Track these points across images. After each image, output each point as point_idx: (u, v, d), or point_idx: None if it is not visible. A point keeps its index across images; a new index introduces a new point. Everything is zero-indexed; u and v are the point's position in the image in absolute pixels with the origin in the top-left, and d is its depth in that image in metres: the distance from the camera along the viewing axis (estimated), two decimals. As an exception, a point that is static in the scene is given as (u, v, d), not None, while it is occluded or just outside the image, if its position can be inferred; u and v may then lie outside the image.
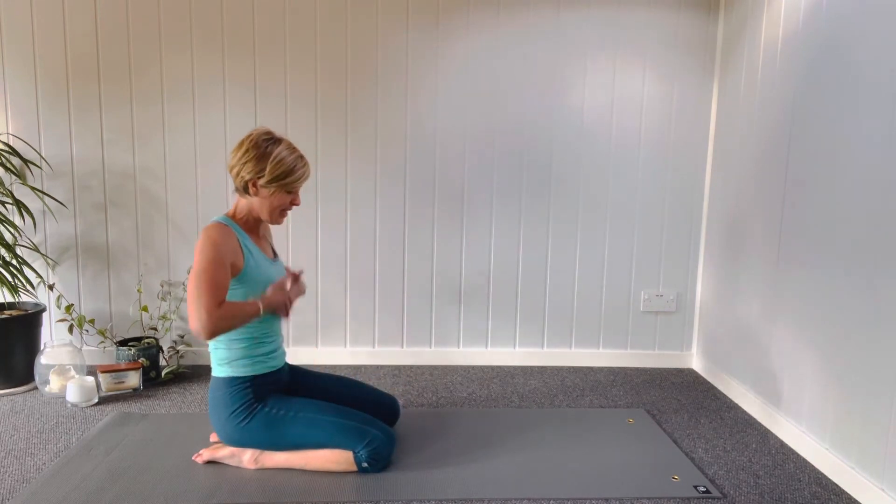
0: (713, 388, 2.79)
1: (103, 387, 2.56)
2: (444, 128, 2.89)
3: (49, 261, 2.89)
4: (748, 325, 2.54)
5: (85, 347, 2.93)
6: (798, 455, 2.14)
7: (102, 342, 2.94)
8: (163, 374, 2.74)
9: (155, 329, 2.92)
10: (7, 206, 2.80)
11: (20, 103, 2.80)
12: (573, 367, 3.04)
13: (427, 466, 1.98)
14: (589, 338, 3.06)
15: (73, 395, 2.44)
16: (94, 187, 2.87)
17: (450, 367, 3.02)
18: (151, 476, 1.89)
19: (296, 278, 2.00)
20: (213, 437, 2.14)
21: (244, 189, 1.89)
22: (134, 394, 2.59)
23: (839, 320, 1.96)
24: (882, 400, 1.77)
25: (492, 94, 2.88)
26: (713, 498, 1.83)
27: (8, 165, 2.76)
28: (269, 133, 1.88)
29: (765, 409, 2.38)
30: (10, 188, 2.78)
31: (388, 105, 2.87)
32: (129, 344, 2.72)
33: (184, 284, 2.93)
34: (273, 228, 2.89)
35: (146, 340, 2.77)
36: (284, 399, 1.94)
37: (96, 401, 2.48)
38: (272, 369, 1.97)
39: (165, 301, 2.94)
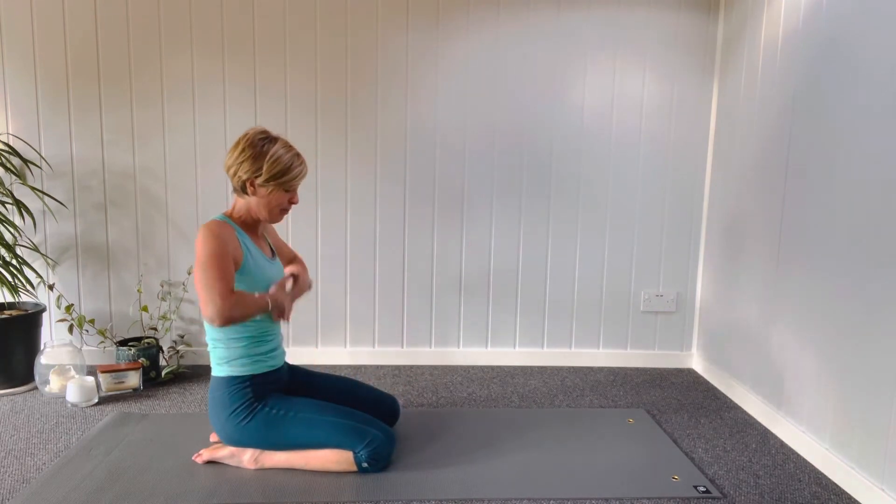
0: (713, 388, 2.79)
1: (103, 387, 2.56)
2: (444, 128, 2.89)
3: (49, 261, 2.89)
4: (748, 325, 2.54)
5: (85, 347, 2.93)
6: (798, 455, 2.14)
7: (102, 342, 2.94)
8: (163, 374, 2.74)
9: (155, 329, 2.92)
10: (7, 206, 2.80)
11: (20, 103, 2.80)
12: (573, 367, 3.04)
13: (427, 466, 1.98)
14: (589, 338, 3.06)
15: (73, 395, 2.44)
16: (94, 187, 2.87)
17: (450, 367, 3.02)
18: (151, 476, 1.89)
19: (295, 279, 2.00)
20: (213, 437, 2.14)
21: (242, 189, 1.89)
22: (134, 394, 2.59)
23: (839, 320, 1.96)
24: (882, 400, 1.77)
25: (492, 94, 2.88)
26: (713, 498, 1.83)
27: (8, 165, 2.76)
28: (264, 132, 1.88)
29: (765, 409, 2.38)
30: (10, 188, 2.78)
31: (388, 105, 2.87)
32: (129, 344, 2.72)
33: (184, 284, 2.93)
34: (274, 225, 2.89)
35: (146, 340, 2.77)
36: (284, 399, 1.94)
37: (96, 401, 2.48)
38: (271, 368, 1.97)
39: (165, 301, 2.94)
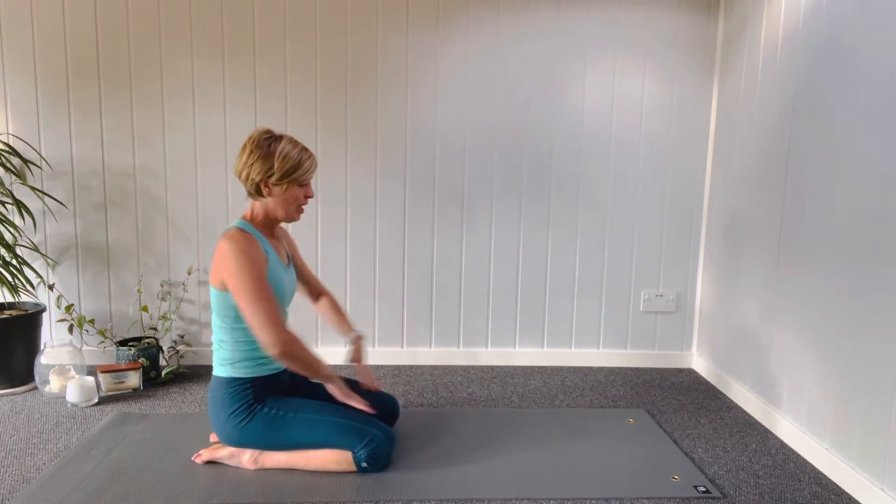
0: (713, 388, 2.79)
1: (103, 387, 2.56)
2: (444, 128, 2.89)
3: (49, 261, 2.89)
4: (748, 325, 2.54)
5: (85, 347, 2.93)
6: (798, 455, 2.14)
7: (102, 342, 2.94)
8: (163, 374, 2.74)
9: (155, 329, 2.92)
10: (7, 206, 2.80)
11: (20, 103, 2.80)
12: (573, 367, 3.04)
13: (427, 466, 1.98)
14: (589, 338, 3.06)
15: (73, 395, 2.44)
16: (94, 187, 2.87)
17: (450, 367, 3.02)
18: (151, 476, 1.89)
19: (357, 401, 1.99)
20: (213, 437, 2.14)
21: (257, 192, 1.89)
22: (134, 394, 2.59)
23: (839, 320, 1.96)
24: (882, 400, 1.77)
25: (492, 94, 2.88)
26: (713, 498, 1.83)
27: (8, 165, 2.76)
28: (268, 131, 1.88)
29: (765, 409, 2.38)
30: (10, 188, 2.78)
31: (388, 105, 2.87)
32: (129, 344, 2.72)
33: (184, 284, 2.93)
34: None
35: (146, 340, 2.77)
36: (284, 399, 1.94)
37: (96, 401, 2.48)
38: (273, 372, 1.97)
39: (165, 301, 2.94)
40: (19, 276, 2.70)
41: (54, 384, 2.57)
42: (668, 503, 1.80)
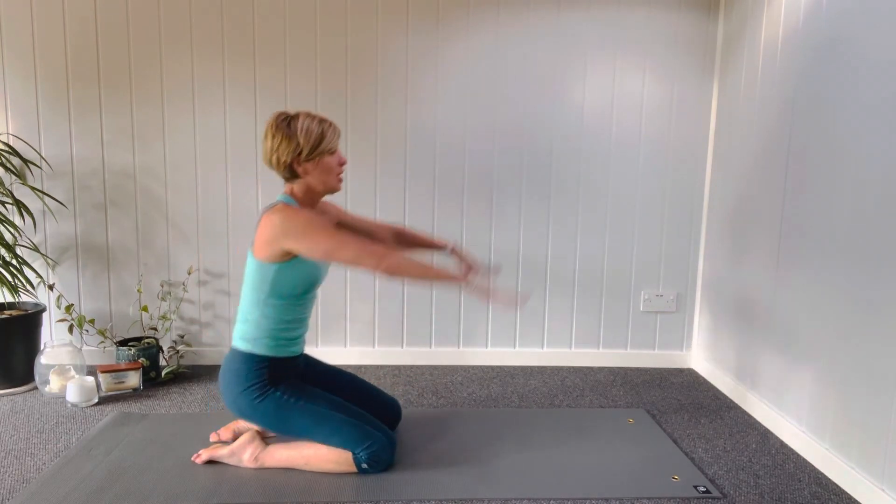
0: (713, 388, 2.79)
1: (103, 387, 2.56)
2: (443, 128, 2.89)
3: (49, 261, 2.90)
4: (748, 325, 2.54)
5: (85, 347, 2.93)
6: (798, 455, 2.14)
7: (102, 342, 2.94)
8: (163, 374, 2.74)
9: (155, 329, 2.92)
10: (7, 206, 2.80)
11: (20, 103, 2.80)
12: (573, 367, 3.04)
13: (427, 466, 1.98)
14: (589, 338, 3.06)
15: (73, 395, 2.44)
16: (94, 187, 2.87)
17: (450, 367, 3.02)
18: (151, 476, 1.89)
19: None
20: (213, 437, 2.14)
21: (291, 173, 1.89)
22: (134, 394, 2.59)
23: (839, 320, 1.96)
24: (882, 400, 1.77)
25: (492, 95, 2.88)
26: (713, 498, 1.83)
27: (8, 165, 2.76)
28: (283, 113, 1.88)
29: (765, 409, 2.38)
30: (10, 188, 2.78)
31: (388, 105, 2.87)
32: (129, 344, 2.72)
33: (184, 284, 2.93)
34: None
35: (146, 340, 2.77)
36: (298, 387, 1.94)
37: (96, 401, 2.48)
38: (291, 355, 1.98)
39: (165, 301, 2.94)
40: (19, 276, 2.70)
41: (54, 384, 2.57)
42: (668, 503, 1.80)
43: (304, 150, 1.84)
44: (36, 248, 2.86)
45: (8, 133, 2.81)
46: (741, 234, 2.61)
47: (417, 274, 1.80)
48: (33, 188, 2.79)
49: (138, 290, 2.92)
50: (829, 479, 1.97)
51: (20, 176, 2.82)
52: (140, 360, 2.66)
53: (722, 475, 1.98)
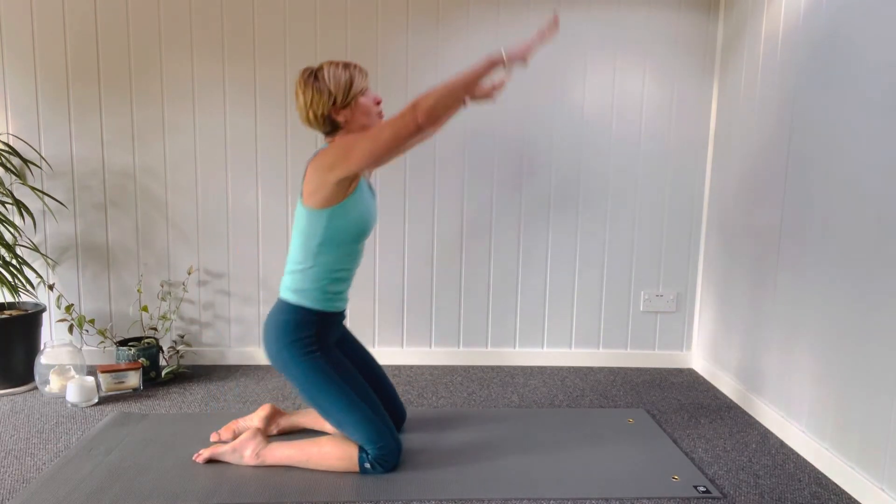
0: (713, 388, 2.79)
1: (103, 387, 2.56)
2: (443, 128, 2.89)
3: (49, 261, 2.90)
4: (748, 325, 2.54)
5: (85, 347, 2.93)
6: (798, 455, 2.14)
7: (102, 342, 2.94)
8: (163, 374, 2.74)
9: (155, 329, 2.92)
10: (7, 206, 2.80)
11: (20, 103, 2.80)
12: (573, 367, 3.04)
13: (427, 466, 1.98)
14: (589, 338, 3.06)
15: (73, 395, 2.44)
16: (94, 187, 2.87)
17: (450, 367, 3.02)
18: (151, 476, 1.89)
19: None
20: (214, 437, 2.14)
21: (332, 126, 1.89)
22: (134, 394, 2.59)
23: (839, 320, 1.96)
24: (882, 400, 1.77)
25: (492, 94, 2.88)
26: (713, 498, 1.83)
27: (8, 165, 2.76)
28: (307, 69, 1.88)
29: (765, 409, 2.38)
30: (10, 188, 2.78)
31: (388, 105, 2.86)
32: (129, 344, 2.72)
33: (184, 284, 2.93)
34: (275, 225, 2.90)
35: (146, 340, 2.77)
36: (340, 363, 1.93)
37: (96, 401, 2.48)
38: (337, 310, 1.98)
39: (165, 301, 2.94)
40: (19, 276, 2.70)
41: (54, 384, 2.57)
42: (668, 503, 1.80)
43: (337, 98, 1.85)
44: (36, 248, 2.86)
45: (8, 133, 2.81)
46: (741, 234, 2.61)
47: (452, 90, 1.67)
48: (33, 188, 2.79)
49: (138, 290, 2.92)
50: (829, 479, 1.97)
51: (20, 176, 2.82)
52: (140, 360, 2.66)
53: (722, 475, 1.98)
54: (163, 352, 2.92)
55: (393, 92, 2.86)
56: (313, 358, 1.89)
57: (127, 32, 2.78)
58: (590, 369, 3.02)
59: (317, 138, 2.87)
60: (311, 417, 2.18)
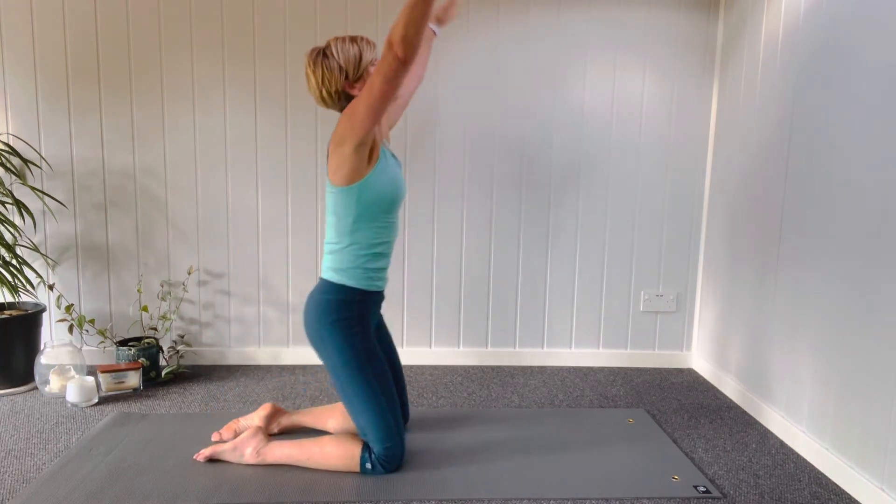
0: (713, 388, 2.79)
1: (103, 387, 2.56)
2: (443, 128, 2.89)
3: (49, 261, 2.90)
4: (748, 325, 2.54)
5: (85, 347, 2.93)
6: (798, 455, 2.14)
7: (102, 342, 2.94)
8: (163, 374, 2.74)
9: (155, 329, 2.92)
10: (7, 206, 2.80)
11: (20, 103, 2.80)
12: (573, 367, 3.04)
13: (427, 466, 1.98)
14: (589, 338, 3.06)
15: (73, 395, 2.44)
16: (94, 187, 2.87)
17: (450, 367, 3.02)
18: (151, 476, 1.89)
19: None
20: (215, 437, 2.14)
21: (348, 101, 1.89)
22: (134, 394, 2.59)
23: (839, 320, 1.96)
24: (882, 400, 1.77)
25: (492, 95, 2.88)
26: (713, 498, 1.83)
27: (8, 165, 2.76)
28: (314, 49, 1.88)
29: (765, 409, 2.38)
30: (10, 188, 2.78)
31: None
32: (129, 344, 2.72)
33: (184, 284, 2.93)
34: (275, 225, 2.90)
35: (146, 340, 2.77)
36: (375, 351, 1.92)
37: (96, 401, 2.48)
38: (377, 289, 1.97)
39: (165, 301, 2.94)
40: (19, 276, 2.70)
41: (54, 384, 2.57)
42: (668, 503, 1.80)
43: (349, 72, 1.84)
44: (36, 248, 2.86)
45: (8, 133, 2.81)
46: (741, 234, 2.61)
47: (413, 8, 1.58)
48: (33, 188, 2.79)
49: (138, 290, 2.92)
50: (829, 479, 1.97)
51: (20, 176, 2.82)
52: (140, 360, 2.66)
53: (722, 475, 1.98)
54: (163, 352, 2.92)
55: (393, 92, 2.85)
56: (353, 341, 1.87)
57: (127, 32, 2.78)
58: (590, 369, 3.02)
59: (317, 136, 2.87)
60: (312, 417, 2.18)
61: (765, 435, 2.29)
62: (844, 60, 1.96)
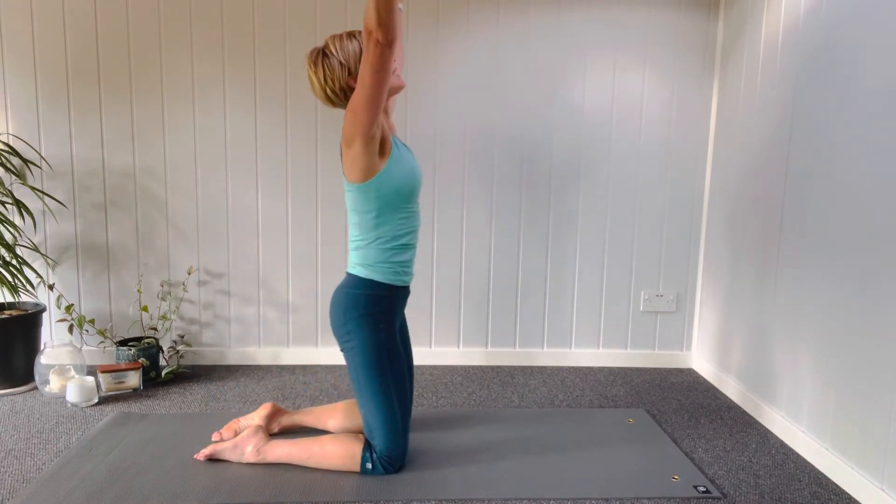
0: (713, 388, 2.79)
1: (103, 387, 2.56)
2: (443, 128, 2.89)
3: (49, 261, 2.90)
4: (748, 325, 2.54)
5: (85, 347, 2.93)
6: (798, 455, 2.14)
7: (102, 342, 2.94)
8: (163, 374, 2.74)
9: (155, 329, 2.92)
10: (7, 206, 2.80)
11: (20, 103, 2.80)
12: (573, 367, 3.04)
13: (427, 466, 1.98)
14: (589, 338, 3.06)
15: (73, 395, 2.44)
16: (94, 187, 2.87)
17: (450, 367, 3.02)
18: (151, 476, 1.89)
19: None
20: (216, 437, 2.14)
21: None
22: (134, 394, 2.59)
23: (839, 320, 1.96)
24: (882, 400, 1.77)
25: (492, 95, 2.88)
26: (713, 498, 1.83)
27: (8, 165, 2.76)
28: (312, 50, 1.88)
29: (765, 409, 2.38)
30: (10, 188, 2.78)
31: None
32: (129, 344, 2.72)
33: (184, 284, 2.93)
34: (275, 225, 2.90)
35: (146, 340, 2.77)
36: (398, 351, 1.91)
37: (96, 401, 2.48)
38: (404, 284, 1.96)
39: (165, 301, 2.94)
40: (19, 276, 2.70)
41: (54, 384, 2.57)
42: (668, 503, 1.80)
43: (351, 67, 1.84)
44: (36, 248, 2.86)
45: (8, 133, 2.81)
46: (741, 234, 2.61)
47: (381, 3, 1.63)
48: (33, 188, 2.79)
49: (138, 290, 2.92)
50: (829, 479, 1.97)
51: (20, 176, 2.82)
52: (140, 360, 2.66)
53: (722, 475, 1.98)
54: (163, 352, 2.92)
55: (393, 92, 2.85)
56: (378, 337, 1.87)
57: (127, 32, 2.78)
58: (590, 369, 3.02)
59: (317, 138, 2.87)
60: (312, 416, 2.18)
61: (765, 435, 2.29)
62: (844, 61, 1.96)
